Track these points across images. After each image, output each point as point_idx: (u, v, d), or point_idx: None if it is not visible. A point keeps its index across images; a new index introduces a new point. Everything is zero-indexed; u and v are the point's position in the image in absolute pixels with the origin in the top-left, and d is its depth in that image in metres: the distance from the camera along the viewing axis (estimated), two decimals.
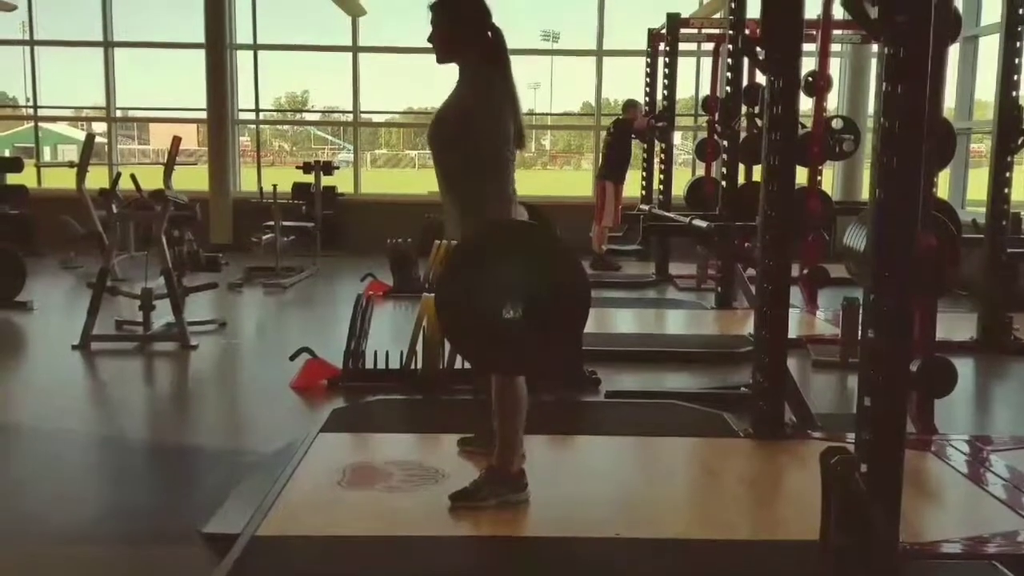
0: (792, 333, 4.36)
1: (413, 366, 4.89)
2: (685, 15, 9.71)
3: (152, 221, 6.55)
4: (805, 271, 6.98)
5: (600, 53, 12.21)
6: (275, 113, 16.50)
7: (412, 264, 8.16)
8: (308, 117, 21.88)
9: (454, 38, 3.12)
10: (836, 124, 7.32)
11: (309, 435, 3.91)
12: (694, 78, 11.98)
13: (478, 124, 3.03)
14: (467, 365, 4.79)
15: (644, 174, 10.39)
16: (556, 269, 2.93)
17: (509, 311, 2.81)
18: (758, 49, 3.96)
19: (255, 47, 12.26)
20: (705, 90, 10.08)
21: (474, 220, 3.03)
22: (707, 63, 10.04)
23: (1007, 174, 6.07)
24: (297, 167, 10.88)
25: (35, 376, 5.75)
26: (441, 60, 3.16)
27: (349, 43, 12.18)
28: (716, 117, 8.79)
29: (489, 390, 3.22)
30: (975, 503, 3.39)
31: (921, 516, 3.15)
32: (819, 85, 6.96)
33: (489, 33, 3.11)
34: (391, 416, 4.42)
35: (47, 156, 16.81)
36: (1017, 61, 5.93)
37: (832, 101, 10.05)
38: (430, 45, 3.14)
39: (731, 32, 7.28)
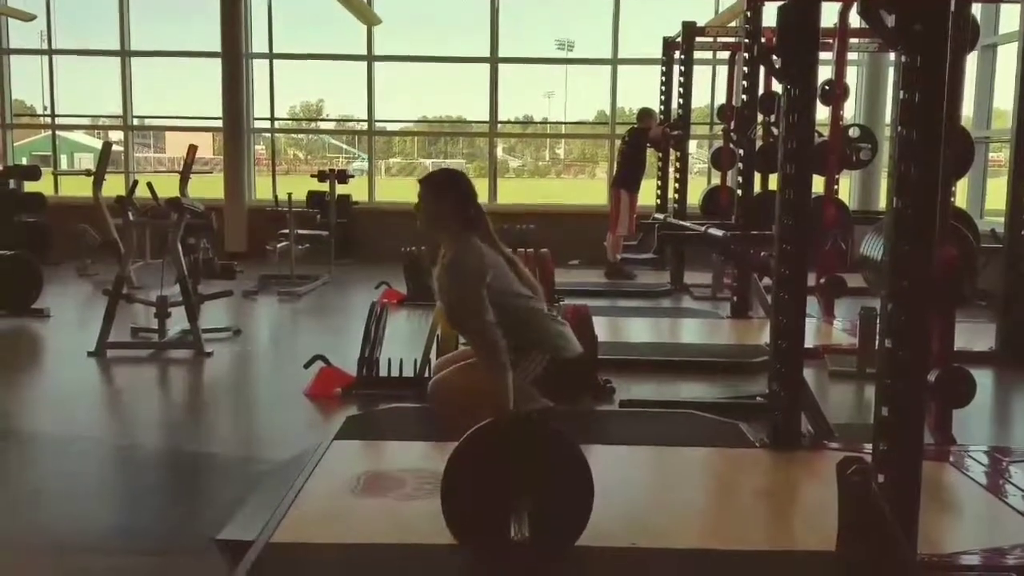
0: (809, 343, 4.34)
1: (427, 374, 4.88)
2: (700, 24, 9.71)
3: (168, 229, 6.58)
4: (822, 280, 6.94)
5: (615, 62, 12.22)
6: (290, 122, 16.56)
7: (426, 272, 8.15)
8: (323, 126, 21.96)
9: (440, 213, 3.38)
10: (853, 133, 7.31)
11: (323, 443, 3.91)
12: (709, 87, 11.95)
13: (463, 296, 3.27)
14: None
15: (659, 183, 10.38)
16: (562, 475, 2.84)
17: (515, 531, 2.72)
18: (774, 57, 3.96)
19: (271, 56, 12.31)
20: (720, 99, 10.07)
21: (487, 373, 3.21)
22: (723, 72, 10.03)
23: None
24: (312, 175, 10.91)
25: (51, 383, 5.78)
26: (426, 230, 3.44)
27: (364, 52, 12.23)
28: (732, 126, 8.77)
29: None
30: (994, 515, 3.36)
31: (939, 528, 3.11)
32: (836, 94, 6.94)
33: (471, 211, 3.37)
34: (405, 424, 4.41)
35: (64, 164, 16.92)
36: None
37: (849, 110, 10.03)
38: (415, 214, 3.42)
39: (747, 41, 7.26)
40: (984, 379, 5.15)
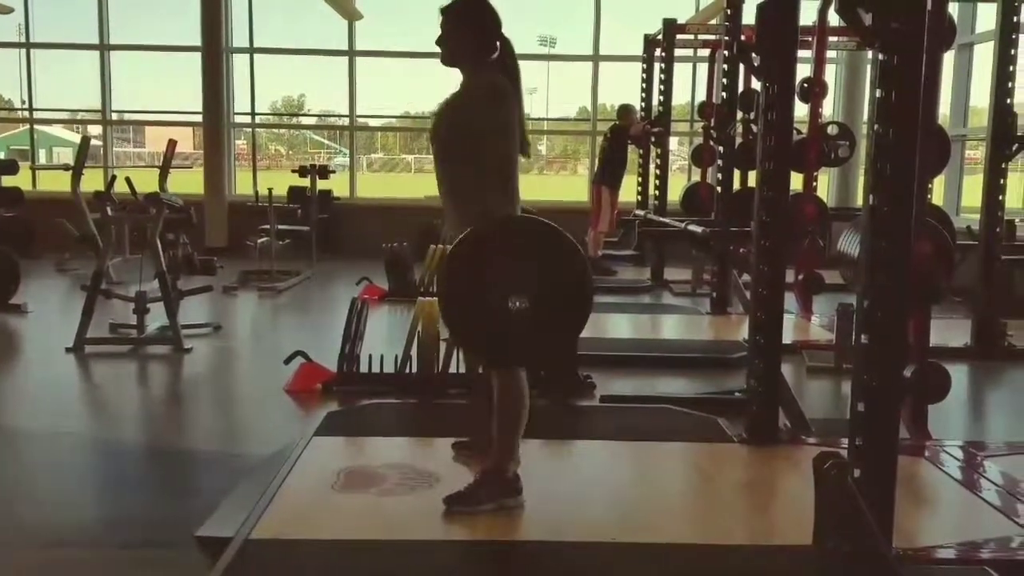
0: (787, 338, 4.37)
1: (408, 370, 4.88)
2: (681, 21, 9.74)
3: (147, 224, 6.54)
4: (800, 276, 6.99)
5: (596, 59, 12.24)
6: (271, 117, 16.48)
7: (408, 268, 8.15)
8: (304, 121, 21.88)
9: (464, 43, 3.11)
10: (831, 130, 7.35)
11: (303, 438, 3.91)
12: (690, 84, 12.02)
13: (481, 121, 3.02)
14: (463, 369, 4.81)
15: (640, 179, 10.41)
16: (560, 259, 2.93)
17: (515, 302, 2.81)
18: (753, 55, 3.98)
19: (251, 50, 12.27)
20: (701, 96, 10.11)
21: (476, 217, 3.02)
22: (703, 69, 10.08)
23: (1001, 181, 6.10)
24: (293, 171, 10.87)
25: (29, 379, 5.74)
26: (448, 63, 3.15)
27: (346, 47, 12.19)
28: (712, 123, 8.80)
29: (488, 394, 3.21)
30: (969, 509, 3.40)
31: (914, 521, 3.15)
32: (814, 91, 6.98)
33: (498, 43, 3.11)
34: (386, 420, 4.41)
35: (42, 159, 16.76)
36: (1011, 68, 5.96)
37: (827, 107, 10.09)
38: (438, 48, 3.14)
39: (727, 38, 7.29)
40: (959, 374, 5.21)
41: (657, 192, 9.78)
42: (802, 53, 4.78)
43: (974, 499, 3.46)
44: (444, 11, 3.13)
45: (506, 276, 2.87)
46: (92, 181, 9.72)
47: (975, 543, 3.00)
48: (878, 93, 2.52)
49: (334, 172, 11.36)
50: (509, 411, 3.15)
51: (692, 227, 6.91)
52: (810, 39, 6.98)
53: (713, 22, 10.17)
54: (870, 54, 2.78)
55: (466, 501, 3.14)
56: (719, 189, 7.58)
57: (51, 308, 7.77)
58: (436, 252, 7.53)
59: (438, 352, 4.83)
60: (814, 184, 7.13)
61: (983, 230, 6.20)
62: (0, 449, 4.21)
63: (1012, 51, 5.96)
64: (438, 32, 3.14)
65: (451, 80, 3.19)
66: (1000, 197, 6.10)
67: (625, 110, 9.85)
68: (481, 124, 3.02)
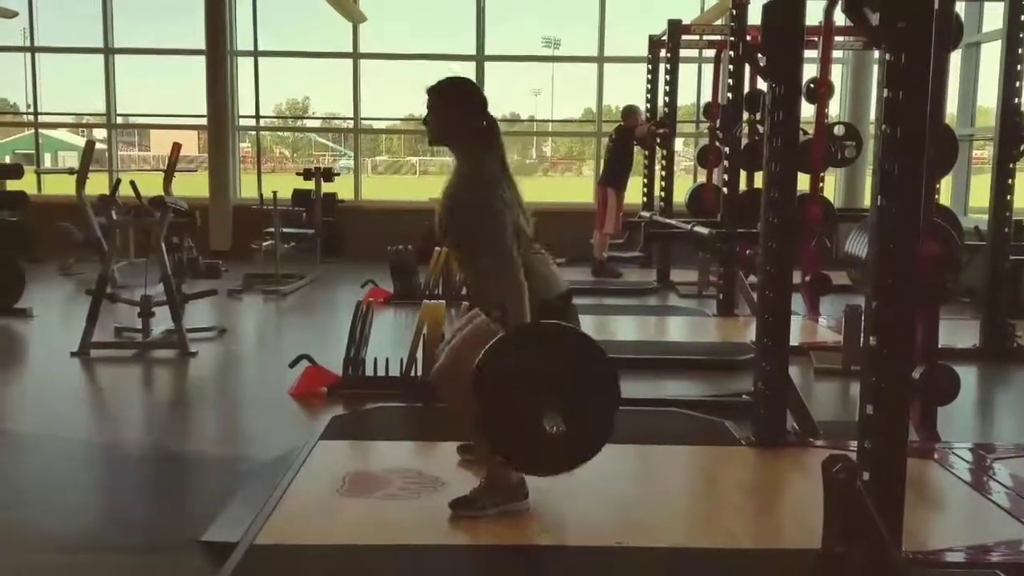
0: (794, 340, 4.35)
1: (413, 373, 4.87)
2: (686, 22, 9.72)
3: (151, 228, 6.54)
4: (807, 278, 6.96)
5: (601, 60, 12.22)
6: (276, 120, 16.51)
7: (412, 271, 8.14)
8: (309, 124, 21.91)
9: (450, 123, 3.16)
10: (838, 131, 7.31)
11: (308, 442, 3.90)
12: (695, 85, 12.00)
13: (481, 221, 3.02)
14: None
15: (645, 181, 10.38)
16: (592, 375, 2.91)
17: (551, 427, 2.79)
18: (759, 56, 3.96)
19: (256, 53, 12.28)
20: (706, 97, 10.08)
21: (494, 300, 3.07)
22: (708, 70, 10.05)
23: (1009, 181, 6.06)
24: (297, 174, 10.87)
25: (34, 383, 5.74)
26: (434, 142, 3.23)
27: (350, 49, 12.19)
28: (717, 124, 8.78)
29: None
30: (978, 511, 3.38)
31: (924, 524, 3.13)
32: (821, 91, 6.94)
33: (484, 122, 3.15)
34: (391, 423, 4.40)
35: (47, 163, 16.83)
36: (1019, 68, 5.92)
37: (834, 107, 10.05)
38: (424, 127, 3.20)
39: (732, 39, 7.27)
40: (968, 376, 5.18)
41: (663, 193, 9.76)
42: (808, 53, 4.76)
43: (984, 502, 3.43)
44: (431, 91, 3.18)
45: (539, 394, 2.83)
46: (97, 185, 9.73)
47: (985, 546, 2.98)
48: (885, 93, 2.50)
49: (339, 175, 11.35)
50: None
51: (698, 228, 6.88)
52: (816, 39, 6.95)
53: (718, 22, 10.14)
54: (877, 54, 2.76)
55: (471, 506, 3.12)
56: (725, 190, 7.54)
57: (56, 312, 7.78)
58: (440, 255, 7.52)
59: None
60: (821, 185, 7.10)
61: (991, 230, 6.17)
62: (5, 453, 4.21)
63: (1020, 50, 5.92)
64: (425, 114, 3.19)
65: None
66: (1008, 197, 6.06)
67: (630, 111, 9.83)
68: (477, 220, 3.03)
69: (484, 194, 3.03)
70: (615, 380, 2.92)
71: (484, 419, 2.88)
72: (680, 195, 9.86)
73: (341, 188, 11.67)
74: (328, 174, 10.66)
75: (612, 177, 9.76)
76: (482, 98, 3.19)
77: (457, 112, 3.14)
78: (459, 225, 3.11)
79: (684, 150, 13.65)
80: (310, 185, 10.43)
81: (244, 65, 12.22)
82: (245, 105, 12.37)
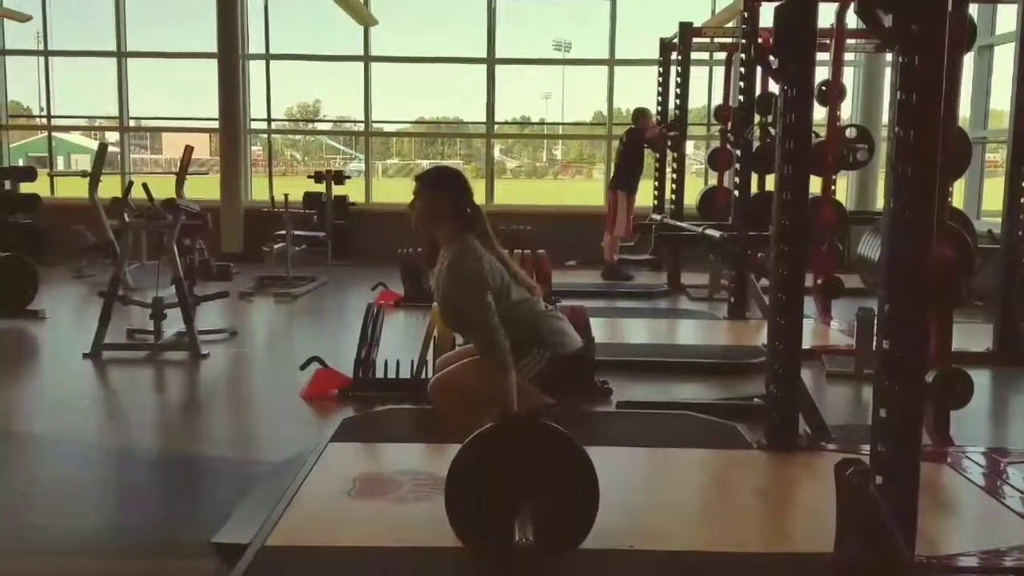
0: (806, 344, 4.32)
1: (424, 375, 4.87)
2: (697, 24, 9.70)
3: (164, 230, 6.56)
4: (819, 281, 6.93)
5: (612, 63, 12.22)
6: (287, 123, 16.55)
7: (423, 273, 8.14)
8: (320, 127, 21.93)
9: (436, 210, 3.33)
10: (850, 133, 7.29)
11: (319, 445, 3.90)
12: (706, 87, 11.96)
13: (471, 301, 3.21)
14: None
15: (656, 183, 10.37)
16: (568, 480, 2.87)
17: (522, 537, 2.77)
18: (771, 58, 3.94)
19: (267, 56, 12.31)
20: (717, 99, 10.06)
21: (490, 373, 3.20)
22: (719, 72, 10.04)
23: (1023, 184, 6.03)
24: (309, 176, 10.89)
25: (46, 385, 5.76)
26: (419, 226, 3.38)
27: (361, 53, 12.21)
28: (729, 126, 8.77)
29: None
30: (992, 516, 3.35)
31: (937, 529, 3.10)
32: (833, 94, 6.93)
33: (468, 210, 3.32)
34: (401, 426, 4.40)
35: (60, 165, 16.90)
36: None
37: (846, 110, 10.03)
38: (410, 210, 3.37)
39: (743, 41, 7.26)
40: (981, 380, 5.15)
41: (674, 196, 9.75)
42: (820, 56, 4.74)
43: (998, 506, 3.41)
44: (419, 179, 3.37)
45: (508, 504, 2.80)
46: (109, 187, 9.77)
47: (999, 551, 2.95)
48: (899, 95, 2.49)
49: (349, 178, 11.38)
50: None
51: (709, 231, 6.88)
52: (828, 41, 6.93)
53: (729, 25, 10.12)
54: (888, 57, 2.75)
55: None
56: (736, 193, 7.53)
57: (68, 314, 7.81)
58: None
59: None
60: (832, 188, 7.07)
61: (1005, 234, 6.14)
62: (17, 455, 4.22)
63: None
64: (412, 199, 3.37)
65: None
66: (1022, 200, 6.02)
67: (641, 114, 9.82)
68: (466, 300, 3.23)
69: (468, 279, 3.23)
70: (594, 484, 2.86)
71: (456, 510, 2.84)
72: (691, 198, 9.85)
73: (352, 191, 11.70)
74: (339, 177, 10.68)
75: (623, 180, 9.76)
76: (467, 187, 3.38)
77: (443, 200, 3.32)
78: (452, 307, 3.34)
79: (695, 153, 13.63)
80: (321, 188, 10.46)
81: (256, 68, 12.26)
82: (256, 108, 12.42)
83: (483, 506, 2.82)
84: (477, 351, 3.35)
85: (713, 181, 10.04)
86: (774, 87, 5.62)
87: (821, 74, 6.39)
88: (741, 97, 7.50)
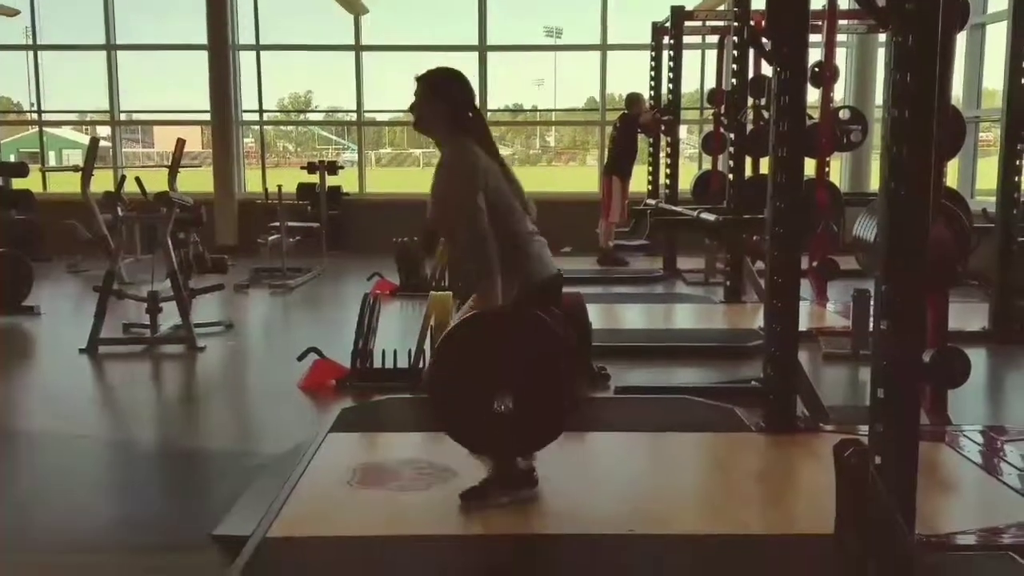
0: (802, 326, 4.33)
1: (421, 365, 4.87)
2: (689, 8, 9.67)
3: (157, 224, 6.54)
4: (814, 263, 6.94)
5: (604, 48, 12.18)
6: (279, 114, 16.50)
7: (419, 262, 8.14)
8: (312, 117, 21.87)
9: (435, 113, 3.18)
10: (843, 115, 7.28)
11: (318, 435, 3.90)
12: (699, 71, 11.91)
13: (462, 201, 3.06)
14: None
15: (650, 168, 10.35)
16: (545, 357, 2.92)
17: (499, 404, 2.82)
18: (764, 40, 3.94)
19: (258, 47, 12.26)
20: (710, 83, 10.02)
21: (476, 288, 3.08)
22: (712, 56, 9.99)
23: (1017, 162, 6.03)
24: (302, 167, 10.87)
25: (43, 380, 5.75)
26: (419, 129, 3.26)
27: (352, 42, 12.16)
28: (722, 110, 8.74)
29: None
30: (990, 494, 3.37)
31: (936, 508, 3.12)
32: (826, 76, 6.91)
33: (470, 114, 3.19)
34: (400, 415, 4.40)
35: (52, 161, 16.81)
36: None
37: (839, 92, 10.02)
38: (409, 112, 3.22)
39: (736, 24, 7.23)
40: (977, 358, 5.16)
41: (668, 181, 9.73)
42: (813, 37, 4.74)
43: (996, 484, 3.42)
44: (419, 80, 3.22)
45: (487, 375, 2.88)
46: (102, 182, 9.75)
47: (997, 528, 2.97)
48: (893, 75, 2.48)
49: (343, 168, 11.35)
50: None
51: (704, 215, 6.87)
52: (821, 23, 6.92)
53: (721, 8, 10.09)
54: (881, 37, 2.74)
55: (482, 495, 3.13)
56: (731, 176, 7.52)
57: (63, 310, 7.79)
58: (445, 246, 7.51)
59: None
60: (827, 170, 7.07)
61: (999, 212, 6.15)
62: (16, 451, 4.22)
63: None
64: (412, 99, 3.21)
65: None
66: (1016, 179, 6.04)
67: (634, 99, 9.80)
68: (458, 199, 3.08)
69: (461, 175, 3.09)
70: (571, 368, 2.94)
71: (436, 398, 2.92)
72: (685, 182, 9.83)
73: (345, 181, 11.67)
74: (332, 167, 10.66)
75: (617, 166, 9.74)
76: (470, 92, 3.23)
77: (444, 103, 3.17)
78: (440, 205, 3.16)
79: (689, 137, 13.61)
80: (314, 179, 10.43)
81: (246, 59, 12.21)
82: (248, 100, 12.37)
83: (464, 386, 2.91)
84: (461, 254, 3.21)
85: (707, 165, 10.01)
86: (767, 69, 5.61)
87: (814, 55, 6.38)
88: (734, 80, 7.48)
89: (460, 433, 3.03)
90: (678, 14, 9.41)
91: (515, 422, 2.88)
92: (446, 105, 3.17)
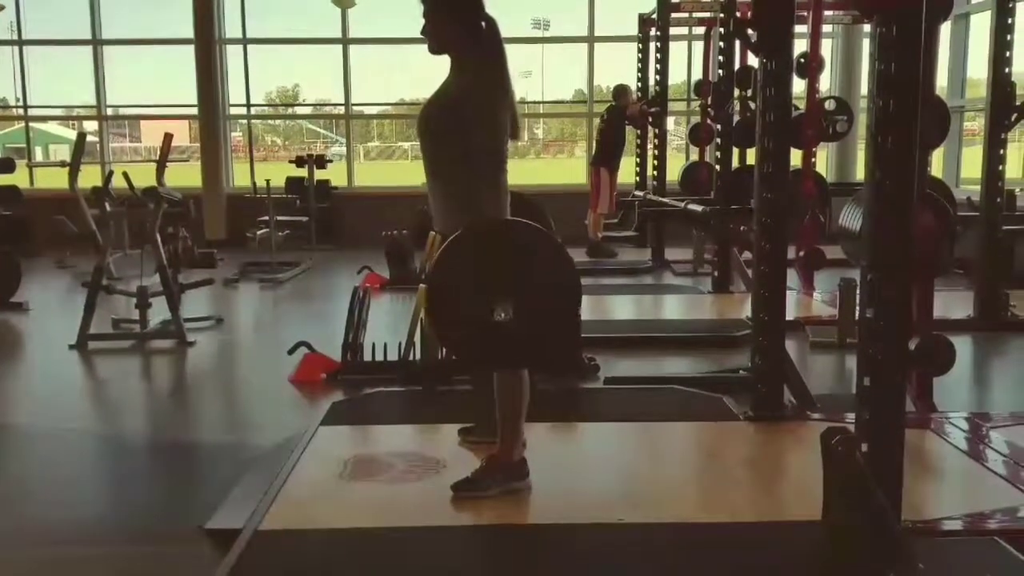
0: (789, 315, 4.36)
1: (412, 357, 4.88)
2: None
3: (146, 219, 6.53)
4: (801, 253, 6.98)
5: (591, 40, 12.18)
6: (266, 108, 16.44)
7: (408, 255, 8.15)
8: (300, 111, 21.82)
9: (447, 30, 3.06)
10: (829, 105, 7.31)
11: (309, 429, 3.91)
12: (686, 63, 11.94)
13: (471, 115, 2.98)
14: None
15: (638, 160, 10.38)
16: (545, 266, 2.93)
17: (499, 313, 2.81)
18: (750, 31, 3.96)
19: (244, 41, 12.22)
20: (697, 74, 10.05)
21: (464, 214, 3.00)
22: (699, 47, 10.02)
23: (1001, 151, 6.07)
24: (290, 161, 10.85)
25: (32, 377, 5.74)
26: (434, 51, 3.10)
27: (339, 35, 12.14)
28: (709, 101, 8.77)
29: (489, 380, 3.21)
30: (975, 480, 3.40)
31: (922, 494, 3.15)
32: (811, 66, 6.94)
33: (483, 24, 3.06)
34: (391, 408, 4.42)
35: (39, 156, 16.73)
36: (1009, 37, 5.92)
37: (824, 82, 10.05)
38: (423, 37, 3.09)
39: (722, 15, 7.26)
40: (963, 346, 5.21)
41: (656, 172, 9.75)
42: (798, 28, 4.75)
43: (981, 470, 3.46)
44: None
45: (487, 285, 2.87)
46: (89, 177, 9.71)
47: (983, 514, 3.01)
48: (877, 65, 2.51)
49: (331, 161, 11.34)
50: (510, 397, 3.15)
51: (692, 206, 6.89)
52: (806, 14, 6.94)
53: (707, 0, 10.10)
54: (866, 28, 2.76)
55: (474, 487, 3.14)
56: (718, 167, 7.55)
57: (52, 306, 7.77)
58: (433, 239, 7.51)
59: None
60: (813, 160, 7.10)
61: (984, 201, 6.19)
62: (6, 447, 4.22)
63: (1009, 20, 5.92)
64: (422, 22, 3.08)
65: (447, 63, 3.14)
66: (1000, 168, 6.07)
67: (621, 91, 9.81)
68: (469, 121, 2.97)
69: (486, 99, 2.99)
70: (574, 276, 2.94)
71: (434, 312, 2.91)
72: (673, 173, 9.86)
73: (334, 175, 11.65)
74: (321, 161, 10.65)
75: (605, 157, 9.75)
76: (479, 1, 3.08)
77: (451, 17, 3.05)
78: (450, 126, 3.01)
79: (676, 128, 13.63)
80: (303, 173, 10.43)
81: (233, 53, 12.17)
82: (235, 94, 12.33)
83: (463, 295, 2.90)
84: (447, 194, 3.09)
85: (695, 156, 10.05)
86: (753, 61, 5.63)
87: (800, 46, 6.41)
88: (721, 71, 7.50)
89: (460, 347, 3.03)
90: (665, 6, 9.42)
91: (516, 331, 2.86)
92: (454, 20, 3.04)
